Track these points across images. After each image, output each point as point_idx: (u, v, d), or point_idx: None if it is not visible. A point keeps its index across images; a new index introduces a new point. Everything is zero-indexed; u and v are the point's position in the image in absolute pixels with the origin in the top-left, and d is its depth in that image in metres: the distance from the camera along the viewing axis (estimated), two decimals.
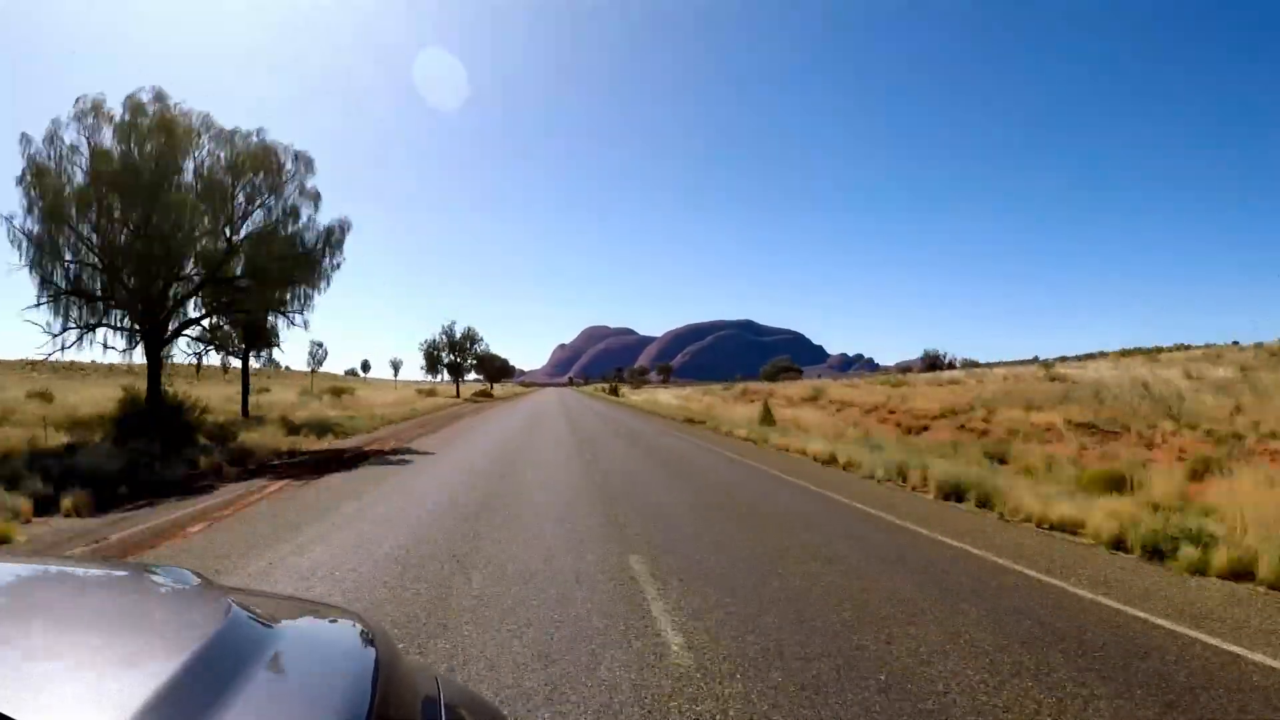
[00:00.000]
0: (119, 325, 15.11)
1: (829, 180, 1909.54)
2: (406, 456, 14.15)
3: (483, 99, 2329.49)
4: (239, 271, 16.37)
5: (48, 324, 14.32)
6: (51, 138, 13.82)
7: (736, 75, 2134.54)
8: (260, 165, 16.06)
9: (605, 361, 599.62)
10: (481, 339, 65.08)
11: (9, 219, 13.72)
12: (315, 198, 17.34)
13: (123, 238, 14.12)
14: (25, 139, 13.81)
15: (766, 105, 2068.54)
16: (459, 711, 1.00)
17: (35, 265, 13.70)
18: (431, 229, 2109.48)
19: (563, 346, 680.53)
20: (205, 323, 18.01)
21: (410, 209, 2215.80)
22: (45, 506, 7.85)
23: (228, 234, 16.04)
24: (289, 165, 16.75)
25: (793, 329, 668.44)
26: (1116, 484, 8.81)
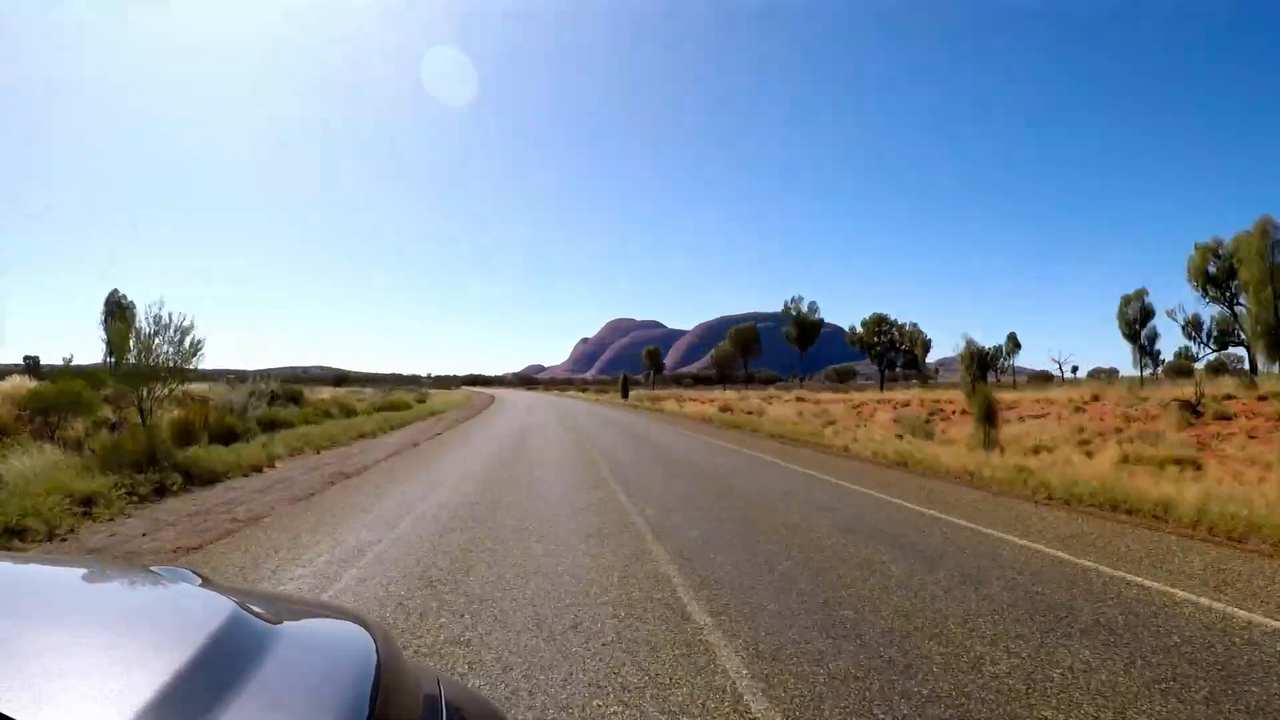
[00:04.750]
0: None
1: (869, 170, 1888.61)
2: None
3: (502, 90, 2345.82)
4: None
5: None
6: None
7: (768, 66, 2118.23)
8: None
9: (631, 356, 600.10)
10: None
11: None
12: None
13: None
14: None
15: (801, 95, 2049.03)
16: (460, 712, 1.05)
17: None
18: (443, 220, 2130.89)
19: (585, 340, 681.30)
20: None
21: (421, 201, 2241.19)
22: None
23: None
24: None
25: (833, 322, 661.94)
26: None
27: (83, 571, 1.25)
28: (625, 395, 63.42)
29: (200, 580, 1.21)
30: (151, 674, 0.73)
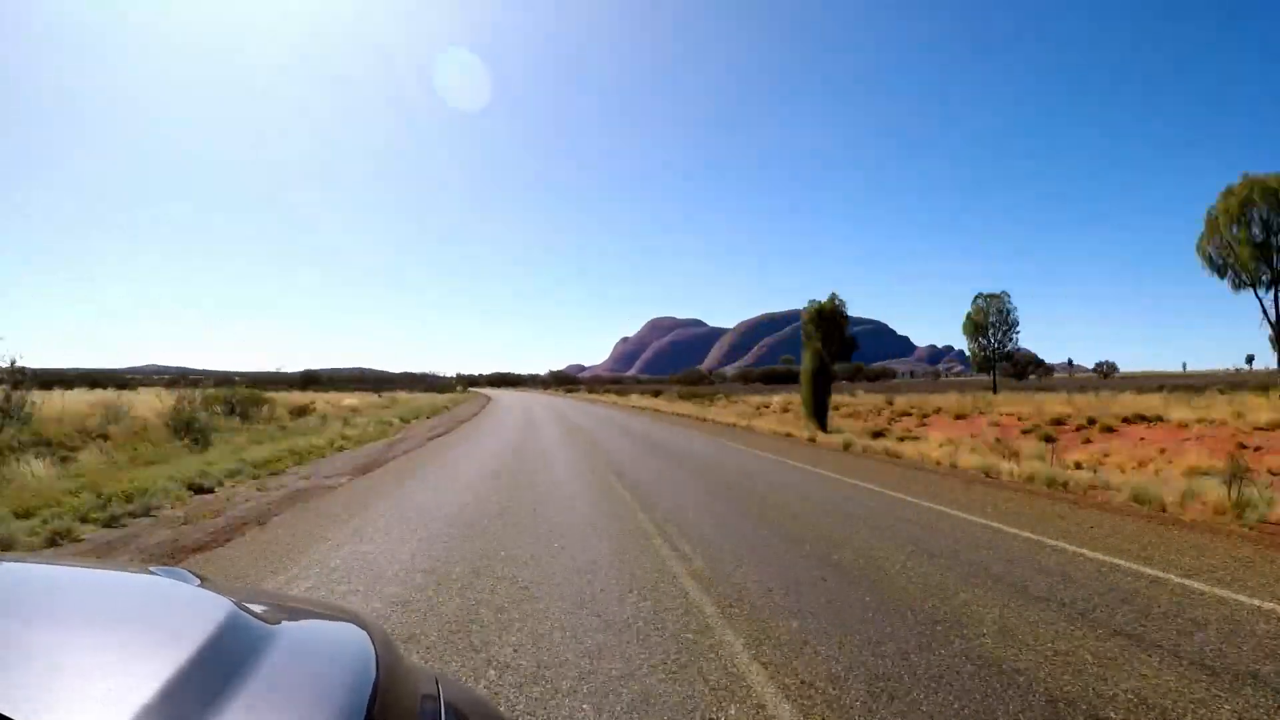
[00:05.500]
0: None
1: (916, 166, 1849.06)
2: None
3: (542, 89, 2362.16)
4: None
5: None
6: None
7: (818, 59, 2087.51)
8: None
9: (672, 355, 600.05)
10: None
11: None
12: None
13: None
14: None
15: (843, 89, 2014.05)
16: (459, 711, 1.04)
17: None
18: (485, 223, 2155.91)
19: (626, 339, 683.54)
20: None
21: (458, 203, 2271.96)
22: None
23: None
24: None
25: (876, 319, 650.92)
26: None
27: (81, 571, 1.27)
28: (823, 419, 23.06)
29: (198, 580, 1.18)
30: (150, 674, 0.73)
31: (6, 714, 0.62)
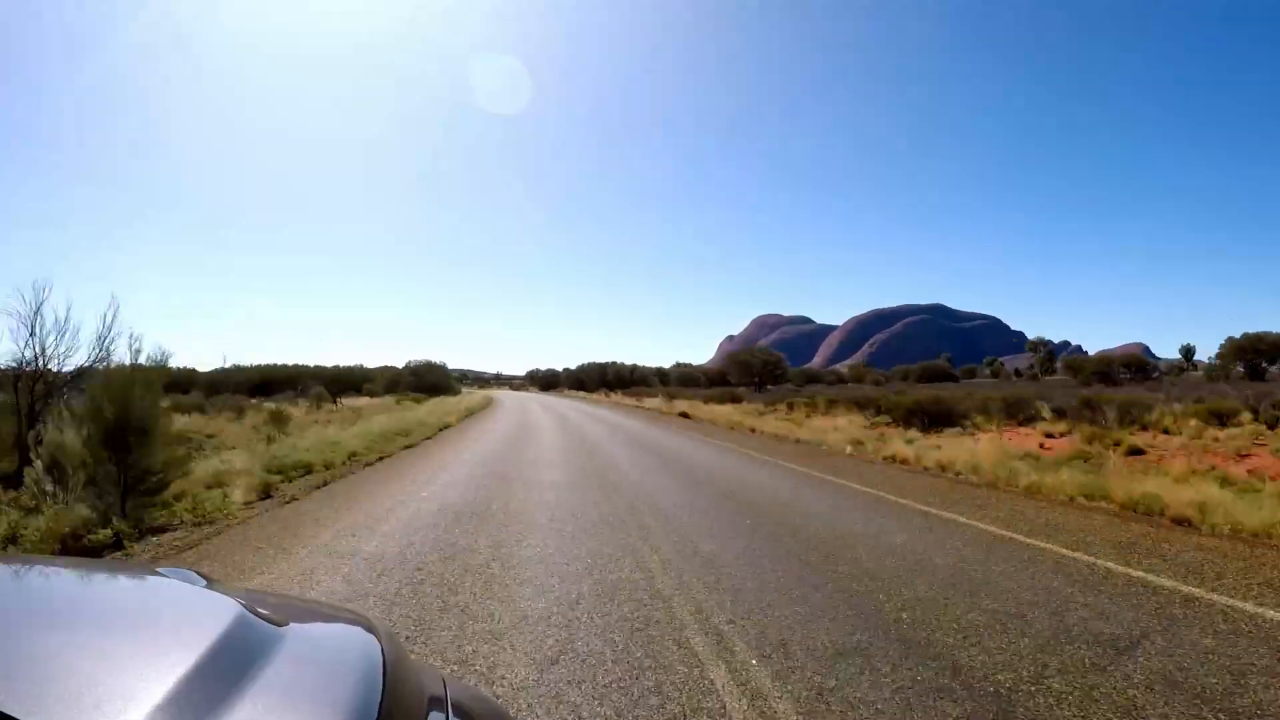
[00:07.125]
0: None
1: (1026, 160, 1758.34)
2: None
3: (650, 84, 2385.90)
4: None
5: None
6: None
7: (922, 51, 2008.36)
8: None
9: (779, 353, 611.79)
10: None
11: None
12: None
13: None
14: None
15: (953, 82, 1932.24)
16: (466, 712, 1.06)
17: None
18: (589, 223, 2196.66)
19: (731, 338, 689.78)
20: None
21: (560, 201, 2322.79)
22: None
23: None
24: None
25: (988, 313, 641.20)
26: None
27: (88, 572, 1.26)
28: None
29: (206, 581, 1.21)
30: (158, 675, 0.74)
31: (14, 715, 0.63)
